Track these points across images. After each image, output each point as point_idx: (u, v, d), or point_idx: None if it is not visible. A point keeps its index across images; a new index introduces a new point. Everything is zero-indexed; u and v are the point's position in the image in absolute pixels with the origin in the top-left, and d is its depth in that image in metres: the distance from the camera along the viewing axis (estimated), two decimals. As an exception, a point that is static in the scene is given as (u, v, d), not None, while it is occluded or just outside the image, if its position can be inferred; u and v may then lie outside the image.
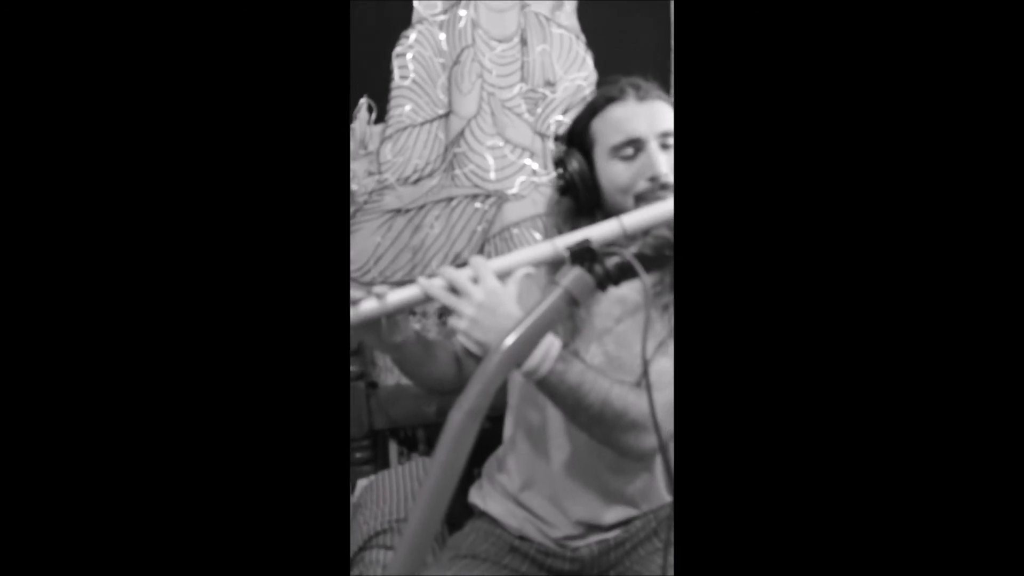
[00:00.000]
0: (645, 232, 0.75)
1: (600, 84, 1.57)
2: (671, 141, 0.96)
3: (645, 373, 0.69)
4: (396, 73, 1.57)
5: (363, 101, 1.56)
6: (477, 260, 0.82)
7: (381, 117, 1.57)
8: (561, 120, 1.59)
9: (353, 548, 1.14)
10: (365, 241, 1.56)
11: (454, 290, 0.81)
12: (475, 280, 0.80)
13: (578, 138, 1.01)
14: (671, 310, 0.93)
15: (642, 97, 0.98)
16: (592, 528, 1.00)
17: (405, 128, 1.58)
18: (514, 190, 1.60)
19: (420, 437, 1.43)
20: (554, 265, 0.81)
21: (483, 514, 1.07)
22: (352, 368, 1.35)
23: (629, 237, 0.77)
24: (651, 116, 0.97)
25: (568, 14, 1.61)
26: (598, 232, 0.77)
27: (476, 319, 0.79)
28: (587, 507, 0.99)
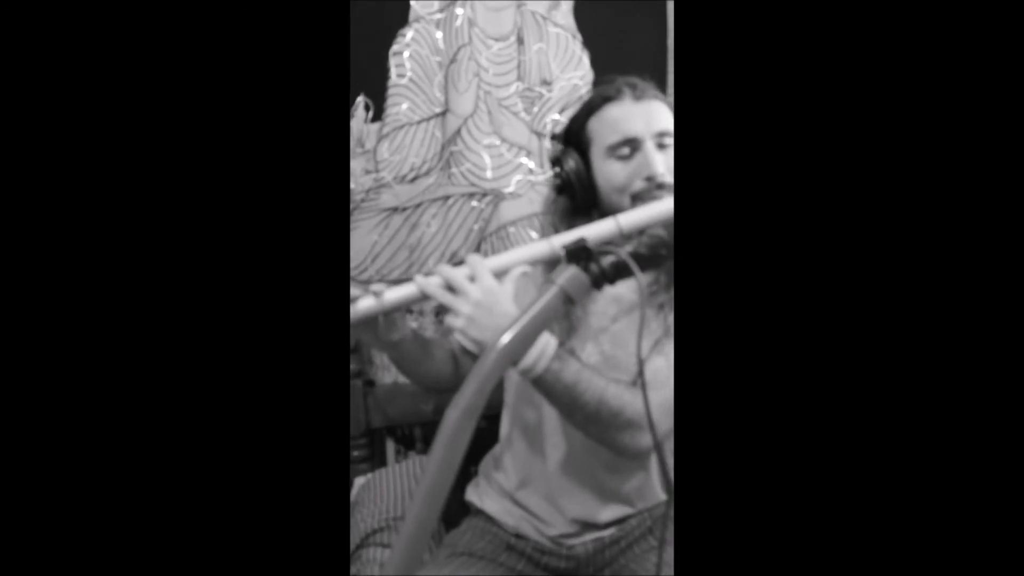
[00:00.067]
0: (641, 231, 0.76)
1: (596, 83, 1.57)
2: (667, 141, 0.96)
3: (640, 372, 0.69)
4: (393, 71, 1.57)
5: (360, 99, 1.56)
6: (474, 258, 0.82)
7: (378, 115, 1.57)
8: (558, 119, 1.59)
9: (350, 546, 1.14)
10: (362, 239, 1.56)
11: (451, 288, 0.81)
12: (472, 278, 0.80)
13: (575, 137, 1.01)
14: (667, 309, 0.93)
15: (639, 97, 0.98)
16: (588, 526, 1.00)
17: (402, 126, 1.58)
18: (510, 189, 1.60)
19: (417, 435, 1.43)
20: (550, 264, 0.81)
21: (479, 512, 1.07)
22: (350, 366, 1.35)
23: (625, 236, 0.77)
24: (647, 116, 0.97)
25: (565, 13, 1.61)
26: (594, 231, 0.77)
27: (473, 317, 0.79)
28: (583, 505, 0.99)
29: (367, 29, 1.51)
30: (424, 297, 0.83)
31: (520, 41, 1.59)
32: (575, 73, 1.62)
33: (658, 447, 0.73)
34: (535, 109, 1.61)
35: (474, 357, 0.78)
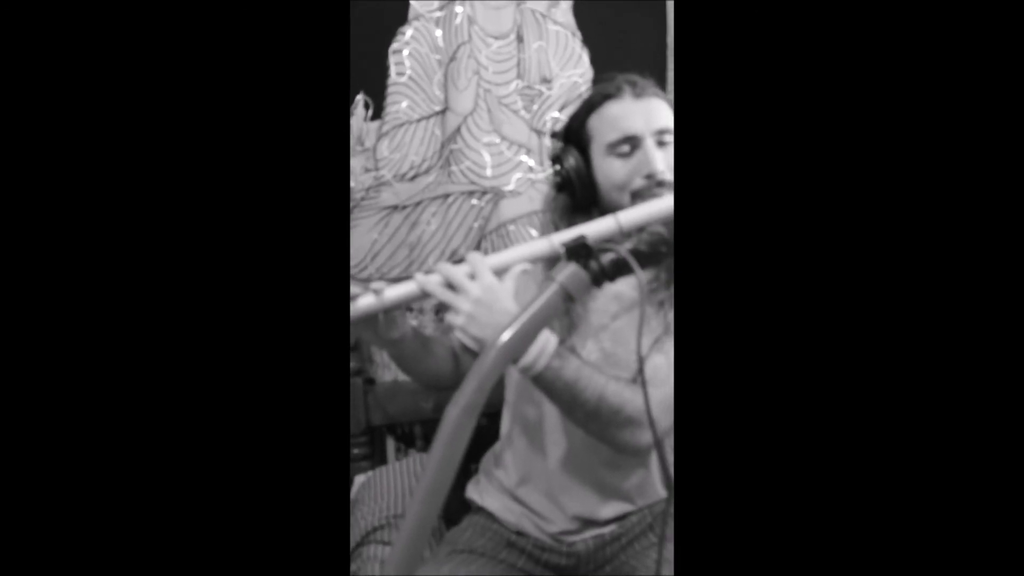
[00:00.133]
0: (640, 229, 0.76)
1: (596, 81, 1.57)
2: (667, 138, 0.96)
3: (640, 370, 0.70)
4: (392, 69, 1.57)
5: (359, 97, 1.56)
6: (474, 256, 0.82)
7: (378, 113, 1.57)
8: (557, 117, 1.59)
9: (351, 544, 1.14)
10: (362, 238, 1.56)
11: (451, 286, 0.81)
12: (472, 276, 0.80)
13: (575, 135, 1.01)
14: (667, 307, 0.93)
15: (639, 94, 0.98)
16: (588, 523, 1.00)
17: (401, 124, 1.58)
18: (510, 187, 1.60)
19: (417, 433, 1.43)
20: (551, 262, 0.81)
21: (480, 509, 1.07)
22: (350, 364, 1.36)
23: (625, 234, 0.77)
24: (647, 113, 0.97)
25: (564, 11, 1.61)
26: (594, 229, 0.77)
27: (473, 315, 0.79)
28: (583, 502, 0.99)
29: (367, 27, 1.51)
30: (424, 295, 0.83)
31: (520, 39, 1.59)
32: (575, 71, 1.62)
33: (658, 444, 0.73)
34: (535, 107, 1.61)
35: (474, 355, 0.78)
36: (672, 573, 0.89)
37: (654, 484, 1.01)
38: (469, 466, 1.15)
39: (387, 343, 0.95)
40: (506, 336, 0.65)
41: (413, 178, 1.58)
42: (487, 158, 1.59)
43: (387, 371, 1.50)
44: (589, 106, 1.01)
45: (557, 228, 0.97)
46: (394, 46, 1.57)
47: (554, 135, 1.06)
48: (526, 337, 0.67)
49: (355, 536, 1.15)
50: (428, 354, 1.04)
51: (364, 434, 1.36)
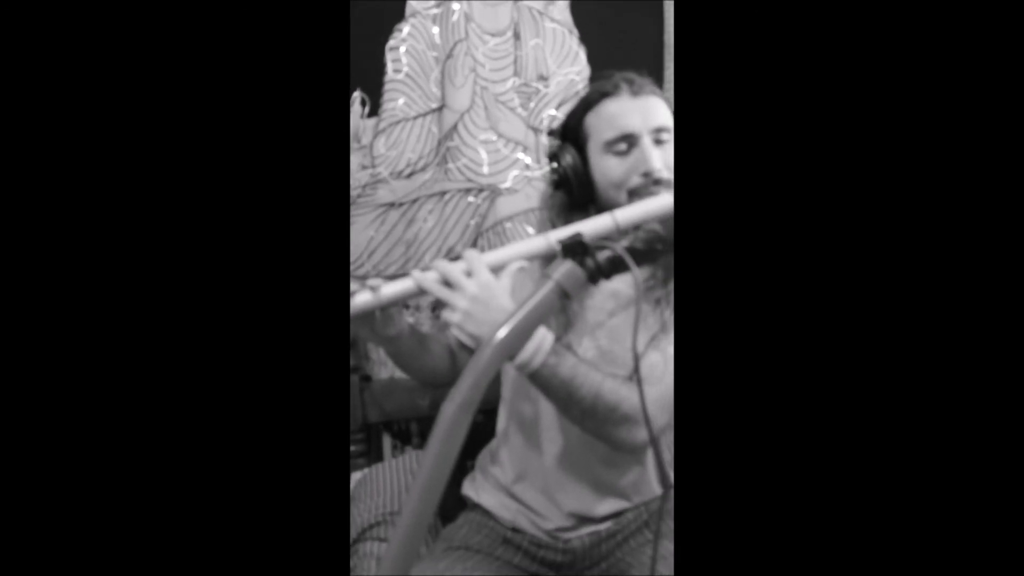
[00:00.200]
0: (637, 227, 0.76)
1: (593, 79, 1.57)
2: (664, 136, 0.97)
3: (636, 367, 0.70)
4: (389, 67, 1.57)
5: (356, 95, 1.56)
6: (471, 254, 0.82)
7: (374, 111, 1.57)
8: (554, 114, 1.59)
9: (349, 540, 1.14)
10: (359, 235, 1.56)
11: (448, 283, 0.81)
12: (468, 274, 0.81)
13: (572, 133, 1.01)
14: (663, 304, 0.93)
15: (636, 92, 0.98)
16: (584, 520, 1.00)
17: (398, 122, 1.58)
18: (507, 184, 1.60)
19: (414, 430, 1.43)
20: (547, 259, 0.81)
21: (476, 506, 1.07)
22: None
23: (622, 232, 0.77)
24: (645, 111, 0.97)
25: (561, 9, 1.61)
26: (591, 226, 0.77)
27: (469, 312, 0.79)
28: (579, 499, 1.00)
29: (364, 24, 1.51)
30: (421, 292, 0.83)
31: (517, 36, 1.59)
32: (572, 68, 1.62)
33: (654, 442, 0.73)
34: (532, 104, 1.61)
35: (471, 352, 0.78)
36: (667, 569, 0.90)
37: (650, 481, 1.01)
38: (465, 463, 1.15)
39: (384, 340, 0.95)
40: (502, 333, 0.65)
41: (410, 175, 1.58)
42: (484, 155, 1.59)
43: (383, 368, 1.50)
44: (586, 104, 1.01)
45: (554, 226, 0.97)
46: (391, 43, 1.57)
47: (551, 133, 1.06)
48: (522, 334, 0.67)
49: (352, 533, 1.15)
50: (425, 351, 1.04)
51: (360, 431, 1.36)
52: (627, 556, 0.99)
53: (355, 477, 1.29)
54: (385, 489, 1.22)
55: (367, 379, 1.40)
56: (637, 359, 0.69)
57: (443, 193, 1.59)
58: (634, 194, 0.94)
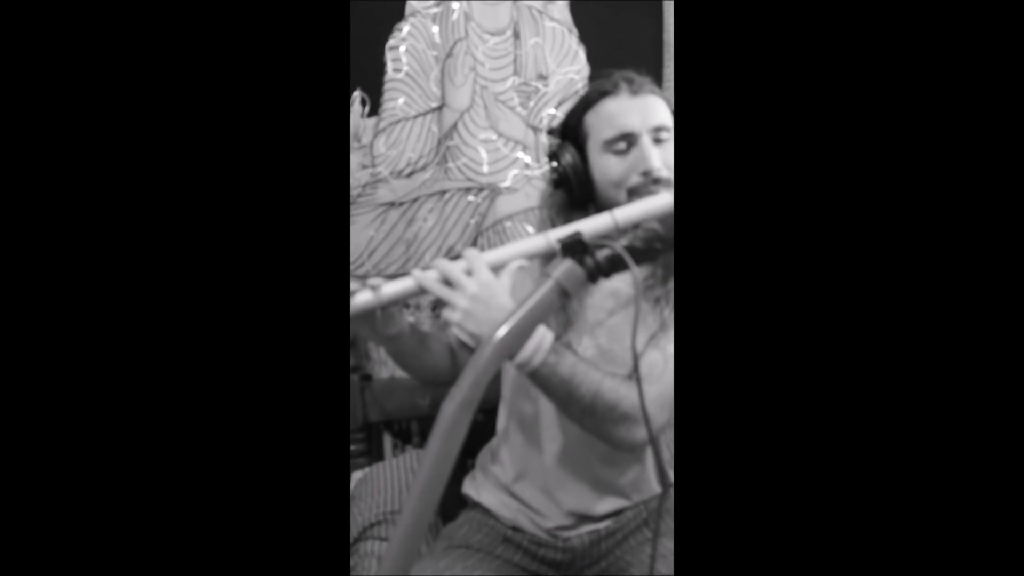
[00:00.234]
0: (636, 225, 0.76)
1: (593, 78, 1.58)
2: (664, 135, 0.97)
3: (635, 366, 0.70)
4: (389, 66, 1.57)
5: (356, 94, 1.56)
6: (471, 252, 0.82)
7: (374, 110, 1.57)
8: (554, 113, 1.59)
9: (349, 539, 1.14)
10: (359, 234, 1.56)
11: (448, 282, 0.81)
12: (469, 273, 0.81)
13: (571, 132, 1.01)
14: (663, 303, 0.93)
15: (635, 91, 0.99)
16: (584, 518, 1.01)
17: (398, 121, 1.58)
18: (507, 183, 1.60)
19: (414, 429, 1.43)
20: (547, 258, 0.81)
21: (476, 505, 1.08)
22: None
23: (621, 231, 0.77)
24: (644, 110, 0.97)
25: (560, 8, 1.61)
26: (590, 225, 0.78)
27: (470, 311, 0.79)
28: (579, 498, 1.00)
29: (363, 24, 1.51)
30: (421, 291, 0.83)
31: (516, 35, 1.60)
32: (571, 68, 1.62)
33: (653, 440, 0.73)
34: (531, 104, 1.61)
35: (471, 351, 0.78)
36: (667, 568, 0.91)
37: (649, 480, 1.01)
38: (465, 462, 1.15)
39: (384, 339, 0.95)
40: (502, 332, 0.65)
41: (410, 175, 1.58)
42: (484, 154, 1.59)
43: (384, 367, 1.50)
44: (586, 103, 1.01)
45: (554, 224, 0.97)
46: (391, 42, 1.57)
47: (551, 132, 1.06)
48: (522, 333, 0.67)
49: (352, 532, 1.16)
50: (425, 350, 1.04)
51: (361, 430, 1.37)
52: (626, 555, 0.99)
53: (356, 476, 1.29)
54: (386, 488, 1.22)
55: (367, 378, 1.40)
56: (636, 358, 0.69)
57: (443, 192, 1.59)
58: (633, 193, 0.94)
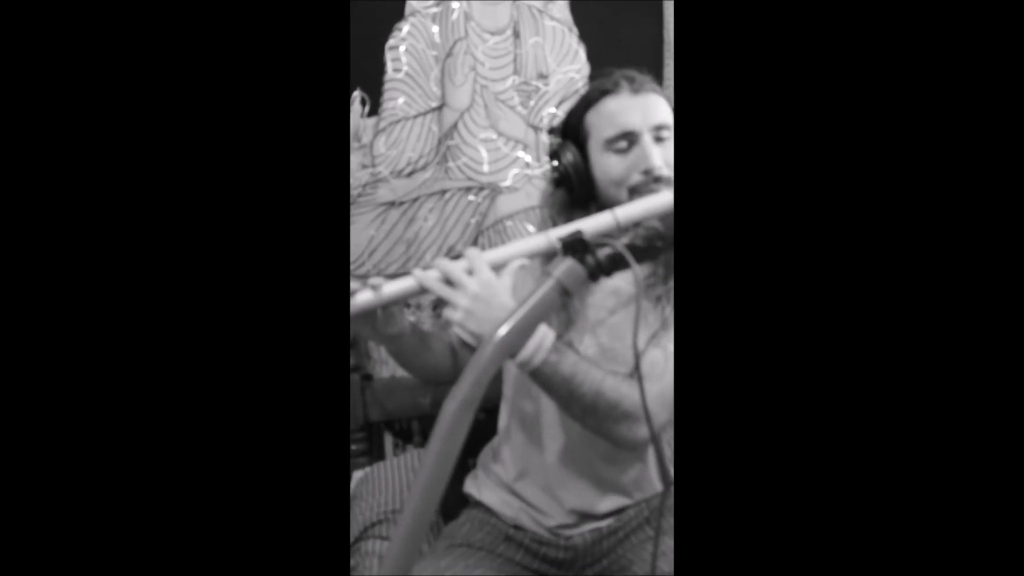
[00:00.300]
0: (637, 224, 0.76)
1: (593, 77, 1.57)
2: (665, 134, 0.97)
3: (637, 364, 0.70)
4: (389, 66, 1.57)
5: (356, 94, 1.56)
6: (472, 252, 0.82)
7: (374, 110, 1.57)
8: (554, 112, 1.59)
9: (349, 539, 1.15)
10: (359, 234, 1.56)
11: (449, 282, 0.81)
12: (470, 272, 0.81)
13: (572, 131, 1.01)
14: (664, 302, 0.93)
15: (636, 90, 0.99)
16: (586, 517, 1.01)
17: (398, 121, 1.58)
18: (507, 183, 1.60)
19: (415, 429, 1.43)
20: (548, 257, 0.81)
21: (478, 503, 1.08)
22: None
23: (623, 230, 0.77)
24: (645, 109, 0.97)
25: (561, 7, 1.61)
26: (591, 224, 0.78)
27: (471, 310, 0.79)
28: (581, 496, 1.00)
29: (363, 23, 1.51)
30: (422, 291, 0.83)
31: (516, 35, 1.59)
32: (571, 67, 1.62)
33: (655, 438, 0.73)
34: (531, 103, 1.61)
35: (472, 350, 0.78)
36: (668, 566, 0.91)
37: (651, 478, 1.01)
38: (467, 461, 1.15)
39: (385, 339, 0.95)
40: (503, 331, 0.65)
41: (410, 174, 1.58)
42: (484, 154, 1.59)
43: (385, 367, 1.50)
44: (586, 102, 1.01)
45: (555, 223, 0.97)
46: (391, 42, 1.57)
47: (551, 131, 1.06)
48: (523, 332, 0.67)
49: (353, 531, 1.16)
50: (426, 349, 1.04)
51: (362, 430, 1.37)
52: (628, 553, 0.99)
53: (357, 476, 1.29)
54: (387, 487, 1.22)
55: (368, 378, 1.40)
56: (638, 356, 0.69)
57: (443, 192, 1.59)
58: (634, 191, 0.94)
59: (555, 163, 1.00)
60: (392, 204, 1.58)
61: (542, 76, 1.60)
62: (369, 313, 0.88)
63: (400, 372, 1.17)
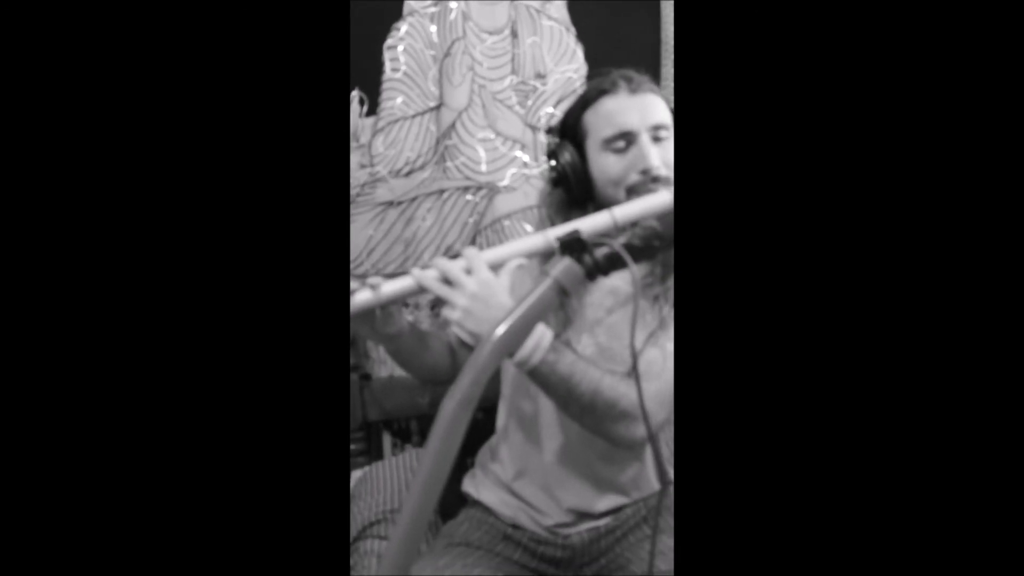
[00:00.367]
0: (634, 223, 0.76)
1: (591, 76, 1.58)
2: (662, 134, 0.97)
3: (634, 364, 0.70)
4: (387, 65, 1.57)
5: (355, 94, 1.56)
6: (470, 251, 0.82)
7: (372, 110, 1.57)
8: (552, 112, 1.60)
9: (349, 538, 1.15)
10: (358, 234, 1.57)
11: (447, 281, 0.81)
12: (468, 271, 0.81)
13: (570, 130, 1.02)
14: (662, 301, 0.94)
15: (634, 90, 0.99)
16: (584, 516, 1.01)
17: (396, 121, 1.58)
18: (505, 182, 1.60)
19: (413, 428, 1.43)
20: (546, 256, 0.81)
21: (476, 503, 1.08)
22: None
23: (620, 229, 0.77)
24: (643, 109, 0.97)
25: (558, 7, 1.61)
26: (589, 224, 0.78)
27: (469, 309, 0.79)
28: (579, 495, 1.00)
29: (362, 23, 1.51)
30: (420, 290, 0.83)
31: (514, 35, 1.60)
32: (569, 66, 1.62)
33: (652, 438, 0.73)
34: (529, 102, 1.61)
35: (471, 349, 0.78)
36: (666, 565, 0.91)
37: (649, 477, 1.01)
38: (465, 460, 1.15)
39: (384, 338, 0.95)
40: (501, 330, 0.65)
41: (408, 174, 1.59)
42: (482, 154, 1.60)
43: (383, 366, 1.50)
44: (584, 102, 1.01)
45: (552, 223, 0.97)
46: (389, 42, 1.57)
47: (549, 130, 1.06)
48: (521, 331, 0.68)
49: (352, 531, 1.16)
50: (425, 349, 1.04)
51: (360, 430, 1.37)
52: (626, 552, 1.00)
53: (355, 475, 1.29)
54: (385, 487, 1.22)
55: (367, 377, 1.41)
56: (635, 355, 0.70)
57: (441, 191, 1.59)
58: (632, 191, 0.95)
59: (553, 163, 1.00)
60: (390, 204, 1.58)
61: (540, 76, 1.61)
62: (368, 312, 0.88)
63: (399, 371, 1.17)
